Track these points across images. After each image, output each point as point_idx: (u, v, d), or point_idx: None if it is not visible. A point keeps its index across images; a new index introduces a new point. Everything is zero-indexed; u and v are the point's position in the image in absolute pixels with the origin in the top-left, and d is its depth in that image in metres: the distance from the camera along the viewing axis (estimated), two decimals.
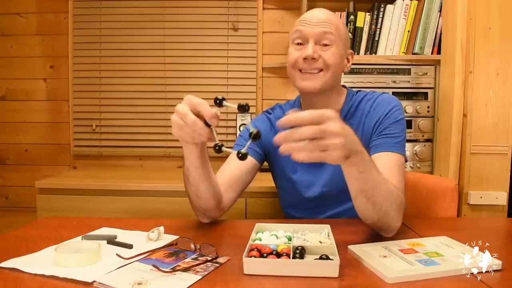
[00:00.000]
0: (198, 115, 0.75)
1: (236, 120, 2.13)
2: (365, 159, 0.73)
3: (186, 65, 2.16)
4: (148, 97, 2.17)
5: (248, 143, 0.77)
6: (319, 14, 1.03)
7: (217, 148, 0.76)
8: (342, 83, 1.14)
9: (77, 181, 1.77)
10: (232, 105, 0.72)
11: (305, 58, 1.00)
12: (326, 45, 1.00)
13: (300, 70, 1.02)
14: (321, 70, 1.01)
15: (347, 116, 1.08)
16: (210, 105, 0.75)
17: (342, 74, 1.10)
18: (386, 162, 0.96)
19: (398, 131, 1.01)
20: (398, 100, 1.08)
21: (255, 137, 0.73)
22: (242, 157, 0.74)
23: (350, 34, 1.82)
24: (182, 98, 0.76)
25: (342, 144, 0.65)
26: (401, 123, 1.03)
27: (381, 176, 0.79)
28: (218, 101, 0.73)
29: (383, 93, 1.11)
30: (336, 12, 1.82)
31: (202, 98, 0.75)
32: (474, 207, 1.57)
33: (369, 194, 0.76)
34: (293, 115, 0.65)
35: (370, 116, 1.06)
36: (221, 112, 0.75)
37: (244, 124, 2.07)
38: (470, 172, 1.56)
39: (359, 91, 1.14)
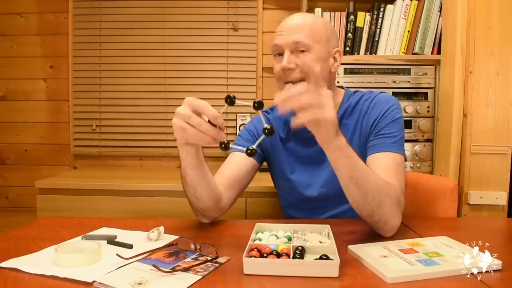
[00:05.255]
0: (200, 116, 0.75)
1: (236, 120, 2.13)
2: (349, 147, 0.77)
3: (186, 65, 2.16)
4: (148, 97, 2.17)
5: (261, 138, 0.75)
6: (293, 20, 1.01)
7: (223, 146, 0.76)
8: (341, 84, 1.14)
9: (77, 181, 1.77)
10: (246, 104, 0.72)
11: (283, 69, 0.99)
12: (302, 51, 0.99)
13: (286, 82, 1.01)
14: (302, 79, 0.99)
15: (344, 116, 1.08)
16: (212, 105, 0.75)
17: (336, 74, 1.08)
18: (383, 162, 0.95)
19: (395, 130, 1.00)
20: (396, 99, 1.07)
21: (270, 132, 0.72)
22: (250, 153, 0.74)
23: (350, 34, 1.82)
24: (183, 98, 0.76)
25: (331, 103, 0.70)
26: (398, 122, 1.02)
27: (369, 169, 0.82)
28: (229, 100, 0.73)
29: (381, 92, 1.10)
30: (336, 12, 1.83)
31: (201, 99, 0.75)
32: (474, 207, 1.57)
33: (360, 182, 0.78)
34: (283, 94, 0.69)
35: (368, 116, 1.05)
36: (222, 113, 0.75)
37: (244, 124, 2.07)
38: (470, 172, 1.56)
39: (357, 91, 1.13)
